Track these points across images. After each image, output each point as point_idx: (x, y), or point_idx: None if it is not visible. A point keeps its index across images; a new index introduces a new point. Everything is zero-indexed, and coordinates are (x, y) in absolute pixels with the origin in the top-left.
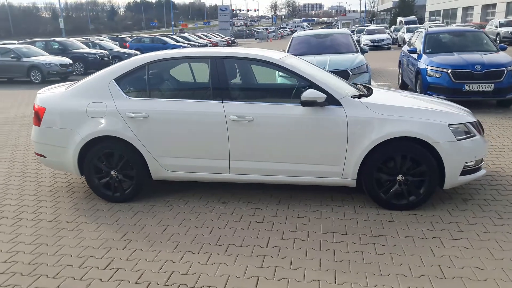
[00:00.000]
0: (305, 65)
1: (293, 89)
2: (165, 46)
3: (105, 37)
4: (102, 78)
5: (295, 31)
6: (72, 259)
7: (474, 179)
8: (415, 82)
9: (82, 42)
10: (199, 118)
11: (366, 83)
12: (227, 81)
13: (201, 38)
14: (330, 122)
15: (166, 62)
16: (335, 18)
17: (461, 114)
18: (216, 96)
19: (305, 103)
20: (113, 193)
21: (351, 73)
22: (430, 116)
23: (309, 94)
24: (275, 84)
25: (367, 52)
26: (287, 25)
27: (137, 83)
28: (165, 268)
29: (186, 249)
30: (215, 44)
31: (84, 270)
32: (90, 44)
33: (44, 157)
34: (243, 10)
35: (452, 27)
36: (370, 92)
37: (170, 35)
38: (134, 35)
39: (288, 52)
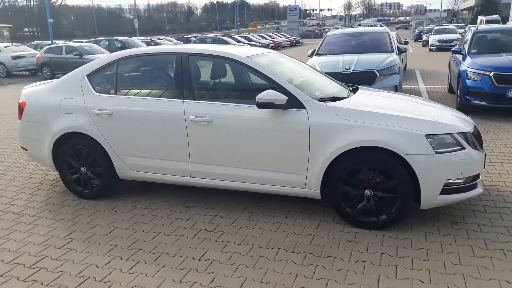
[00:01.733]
0: (282, 65)
1: (260, 90)
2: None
3: (171, 37)
4: (76, 74)
5: None
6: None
7: (465, 199)
8: (457, 86)
9: (144, 42)
10: (160, 117)
11: (395, 85)
12: (190, 79)
13: (264, 38)
14: (291, 127)
15: (135, 59)
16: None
17: (447, 123)
18: (179, 94)
19: (261, 105)
20: (83, 190)
21: (378, 74)
22: (404, 124)
23: (265, 95)
24: (241, 84)
25: (404, 51)
26: (359, 24)
27: (106, 79)
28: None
29: (117, 254)
30: (278, 44)
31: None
32: (152, 43)
33: (26, 150)
34: (315, 10)
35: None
36: (353, 94)
37: (232, 35)
38: (199, 35)
39: (317, 51)
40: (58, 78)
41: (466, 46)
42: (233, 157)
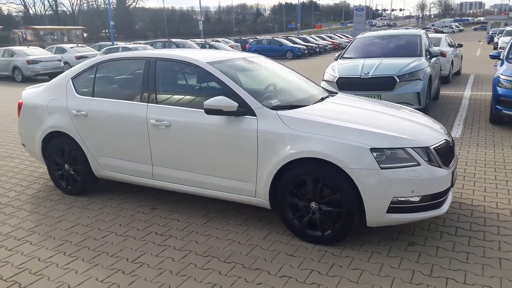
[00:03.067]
0: (256, 71)
1: (218, 95)
2: (281, 47)
3: (229, 38)
4: (63, 77)
5: (441, 31)
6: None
7: (422, 219)
8: (492, 93)
9: (198, 43)
10: (127, 119)
11: (417, 92)
12: (155, 83)
13: (323, 39)
14: (241, 134)
15: (112, 63)
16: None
17: (401, 137)
18: (144, 98)
19: (209, 111)
20: (66, 185)
21: (398, 80)
22: (350, 136)
23: (213, 101)
24: (202, 89)
25: (437, 56)
26: (432, 25)
27: (87, 82)
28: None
29: (64, 249)
30: (337, 45)
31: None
32: (207, 45)
33: (25, 146)
34: (387, 10)
35: None
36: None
37: (288, 37)
38: (257, 37)
39: (343, 54)
40: None
41: (505, 51)
42: (189, 162)
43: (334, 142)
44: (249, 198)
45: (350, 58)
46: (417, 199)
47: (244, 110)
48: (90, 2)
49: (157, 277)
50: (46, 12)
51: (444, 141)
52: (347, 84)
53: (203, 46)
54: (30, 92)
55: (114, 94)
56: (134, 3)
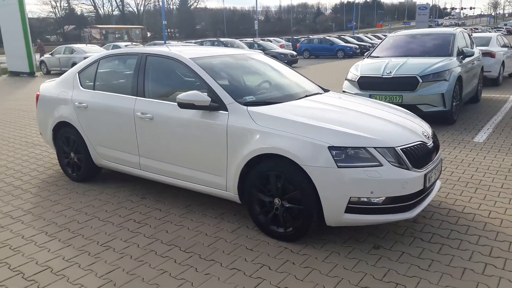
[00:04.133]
0: (244, 68)
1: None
2: (332, 47)
3: (281, 38)
4: (72, 71)
5: None
6: None
7: (387, 222)
8: None
9: (246, 43)
10: (118, 112)
11: (441, 93)
12: (143, 78)
13: (380, 38)
14: (213, 128)
15: (112, 59)
16: None
17: (364, 136)
18: (134, 92)
19: (182, 105)
20: (72, 172)
21: (420, 80)
22: (311, 134)
23: (185, 96)
24: (184, 84)
25: (471, 56)
26: (505, 24)
27: (90, 76)
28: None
29: (51, 230)
30: None
31: None
32: (256, 44)
33: (41, 135)
34: (455, 8)
35: None
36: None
37: (341, 36)
38: (310, 36)
39: (371, 53)
40: None
41: None
42: (170, 155)
43: (294, 139)
44: (221, 191)
45: (378, 57)
46: (380, 200)
47: (218, 105)
48: (155, 3)
49: (116, 261)
50: (114, 12)
51: (419, 142)
52: (368, 84)
53: (250, 45)
54: (47, 85)
55: (111, 88)
56: (195, 4)
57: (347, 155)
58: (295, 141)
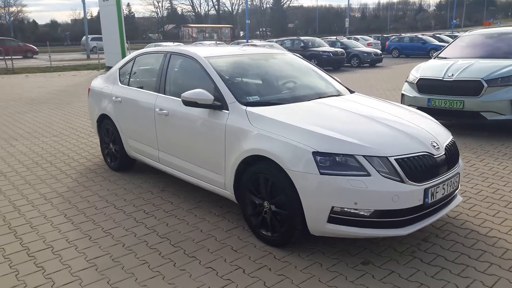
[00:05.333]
0: (261, 67)
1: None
2: (424, 46)
3: (370, 36)
4: (115, 67)
5: None
6: None
7: (375, 237)
8: None
9: (329, 41)
10: (144, 107)
11: (510, 100)
12: (165, 75)
13: None
14: (214, 127)
15: (146, 56)
16: None
17: (354, 142)
18: (156, 88)
19: (186, 103)
20: (110, 162)
21: (485, 85)
22: (297, 137)
23: (189, 94)
24: (199, 81)
25: None
26: None
27: (126, 73)
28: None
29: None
30: None
31: None
32: (339, 43)
33: (92, 125)
34: None
35: None
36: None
37: (436, 35)
38: (402, 34)
39: (439, 54)
40: None
41: None
42: (181, 150)
43: (281, 141)
44: (221, 190)
45: (445, 58)
46: (368, 213)
47: (221, 104)
48: (249, 2)
49: (109, 247)
50: (210, 12)
51: (423, 153)
52: (427, 87)
53: (332, 43)
54: (97, 80)
55: (141, 84)
56: (288, 2)
57: (332, 162)
58: (282, 144)
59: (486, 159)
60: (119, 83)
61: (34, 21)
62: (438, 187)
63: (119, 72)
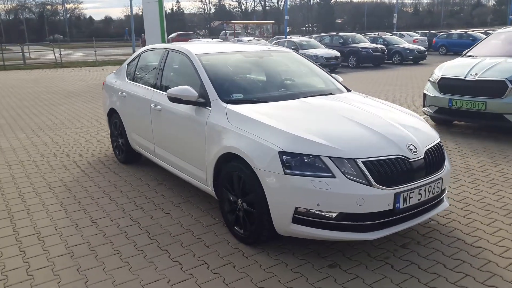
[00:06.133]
0: (258, 65)
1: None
2: (473, 42)
3: (416, 32)
4: (124, 63)
5: None
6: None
7: (341, 240)
8: None
9: (370, 37)
10: (142, 102)
11: None
12: (162, 71)
13: None
14: (198, 123)
15: (150, 53)
16: None
17: (322, 143)
18: (154, 84)
19: (171, 99)
20: (118, 154)
21: (510, 85)
22: (267, 136)
23: (174, 90)
24: (190, 78)
25: None
26: None
27: (132, 68)
28: None
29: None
30: None
31: None
32: (381, 39)
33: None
34: None
35: None
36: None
37: (488, 31)
38: (451, 31)
39: (467, 52)
40: None
41: None
42: (172, 146)
43: (252, 140)
44: (204, 186)
45: (473, 56)
46: (333, 215)
47: (205, 101)
48: None
49: (90, 236)
50: (256, 8)
51: (395, 157)
52: (449, 87)
53: (374, 40)
54: (111, 74)
55: (143, 80)
56: None
57: (298, 162)
58: (252, 142)
59: (502, 165)
60: (126, 78)
61: (90, 17)
62: (413, 192)
63: (127, 68)
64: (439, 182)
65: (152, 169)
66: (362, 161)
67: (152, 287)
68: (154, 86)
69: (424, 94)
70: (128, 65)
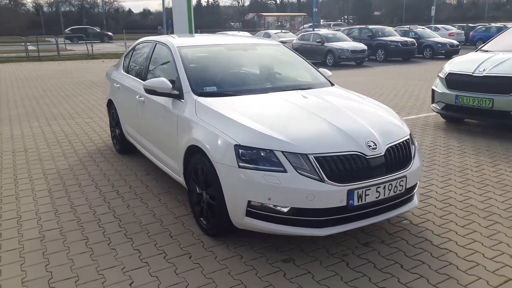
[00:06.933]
0: (238, 56)
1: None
2: None
3: (452, 25)
4: (123, 55)
5: None
6: None
7: (293, 235)
8: None
9: (400, 30)
10: (131, 94)
11: None
12: (149, 64)
13: None
14: (170, 115)
15: (142, 45)
16: None
17: (277, 138)
18: (141, 76)
19: (147, 91)
20: (115, 145)
21: None
22: (226, 130)
23: (149, 82)
24: (168, 70)
25: None
26: None
27: (127, 60)
28: None
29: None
30: None
31: None
32: (412, 32)
33: None
34: None
35: None
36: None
37: None
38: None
39: (481, 47)
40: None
41: None
42: (153, 137)
43: (213, 133)
44: (177, 177)
45: (487, 51)
46: (285, 210)
47: (178, 93)
48: None
49: (65, 222)
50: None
51: (351, 153)
52: (456, 83)
53: (405, 33)
54: (112, 66)
55: (133, 72)
56: None
57: (252, 155)
58: (213, 135)
59: (500, 165)
60: (122, 70)
61: (129, 10)
62: (369, 189)
63: (123, 60)
64: (402, 181)
65: (144, 159)
66: (314, 157)
67: (105, 273)
68: (141, 77)
69: (433, 90)
70: (125, 57)
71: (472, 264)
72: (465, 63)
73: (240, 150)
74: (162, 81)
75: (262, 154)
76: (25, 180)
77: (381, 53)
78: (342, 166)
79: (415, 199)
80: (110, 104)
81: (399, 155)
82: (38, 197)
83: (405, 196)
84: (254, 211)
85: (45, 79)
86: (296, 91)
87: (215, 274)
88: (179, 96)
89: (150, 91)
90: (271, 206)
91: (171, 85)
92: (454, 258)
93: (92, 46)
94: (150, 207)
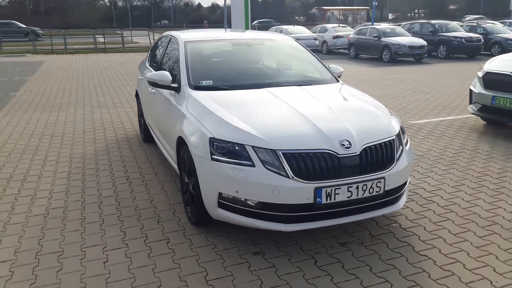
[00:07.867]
0: (222, 50)
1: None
2: None
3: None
4: (150, 49)
5: None
6: None
7: (262, 228)
8: None
9: (468, 25)
10: (147, 86)
11: None
12: (163, 57)
13: None
14: (170, 106)
15: (162, 40)
16: None
17: (249, 132)
18: (157, 69)
19: (150, 83)
20: (141, 133)
21: None
22: (206, 122)
23: (151, 75)
24: (176, 63)
25: None
26: None
27: (151, 54)
28: None
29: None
30: None
31: None
32: (480, 28)
33: None
34: None
35: None
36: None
37: None
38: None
39: None
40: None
41: None
42: (160, 126)
43: (195, 126)
44: (176, 166)
45: None
46: (253, 203)
47: (177, 86)
48: None
49: (70, 201)
50: None
51: (322, 151)
52: (493, 83)
53: (472, 28)
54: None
55: (152, 65)
56: None
57: (224, 149)
58: (194, 127)
59: None
60: (147, 63)
61: (199, 4)
62: (339, 188)
63: (149, 53)
64: (379, 182)
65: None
66: (282, 153)
67: (87, 250)
68: (156, 70)
69: (470, 90)
70: (151, 50)
71: (447, 274)
72: (506, 62)
73: (215, 143)
74: (162, 74)
75: (234, 148)
76: (52, 163)
77: (442, 50)
78: (310, 164)
79: (400, 202)
80: (137, 95)
81: (377, 156)
82: (57, 178)
83: (386, 198)
84: (225, 203)
85: (104, 70)
86: (292, 87)
87: (184, 260)
88: (178, 89)
89: (153, 83)
90: (242, 199)
91: (170, 78)
92: (430, 266)
93: (154, 38)
94: (151, 194)
